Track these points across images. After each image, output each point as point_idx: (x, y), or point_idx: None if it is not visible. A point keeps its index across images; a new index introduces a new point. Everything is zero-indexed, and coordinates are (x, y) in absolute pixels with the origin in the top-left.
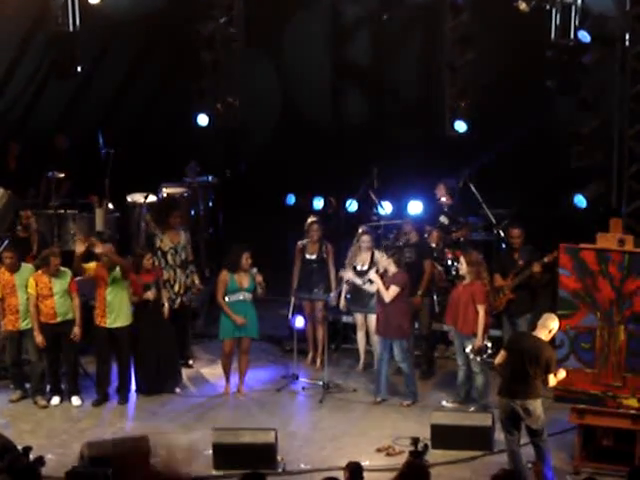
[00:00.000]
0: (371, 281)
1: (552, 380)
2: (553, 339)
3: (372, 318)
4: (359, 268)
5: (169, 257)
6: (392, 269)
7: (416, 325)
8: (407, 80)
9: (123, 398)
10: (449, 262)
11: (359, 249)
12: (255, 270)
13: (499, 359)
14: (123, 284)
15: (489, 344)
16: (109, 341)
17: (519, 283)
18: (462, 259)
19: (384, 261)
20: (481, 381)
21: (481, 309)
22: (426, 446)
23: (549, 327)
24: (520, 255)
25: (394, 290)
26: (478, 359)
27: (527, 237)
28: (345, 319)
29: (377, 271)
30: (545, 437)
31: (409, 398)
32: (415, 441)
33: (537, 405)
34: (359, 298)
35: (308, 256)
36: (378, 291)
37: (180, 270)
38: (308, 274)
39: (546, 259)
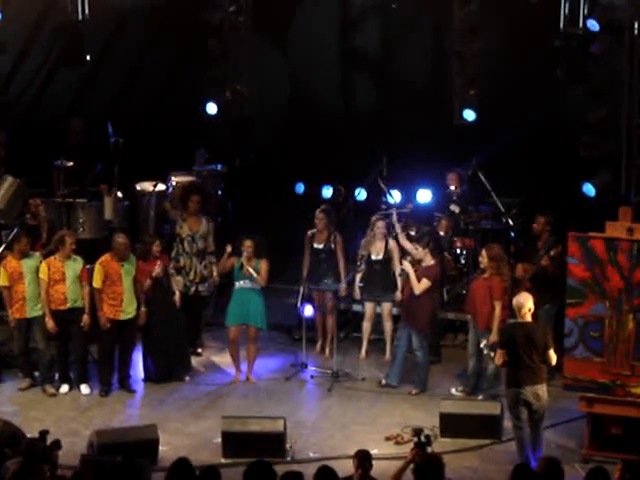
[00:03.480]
0: (403, 271)
1: (553, 356)
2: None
3: (385, 306)
4: (374, 257)
5: (186, 244)
6: (428, 260)
7: None
8: (416, 69)
9: (128, 387)
10: (458, 250)
11: (374, 237)
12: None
13: (499, 359)
14: (132, 275)
15: None
16: (117, 333)
17: (533, 274)
18: (484, 252)
19: (420, 253)
20: (492, 371)
21: (497, 305)
22: (428, 437)
23: (527, 306)
24: (543, 244)
25: (425, 283)
26: (492, 354)
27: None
28: (355, 308)
29: (409, 261)
30: (542, 422)
31: (418, 387)
32: (417, 432)
33: (545, 390)
34: (372, 287)
35: (316, 245)
36: (407, 279)
37: (196, 258)
38: (316, 263)
39: (552, 252)
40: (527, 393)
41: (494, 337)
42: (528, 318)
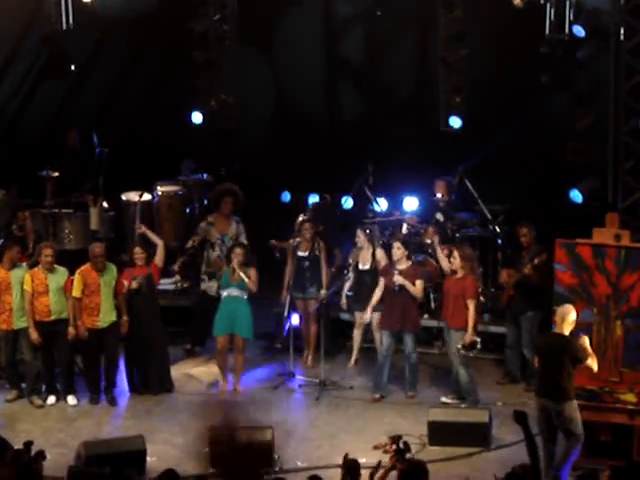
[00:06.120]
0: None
1: (593, 365)
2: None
3: (375, 315)
4: (361, 267)
5: (216, 248)
6: (405, 261)
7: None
8: (401, 76)
9: (112, 399)
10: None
11: (360, 250)
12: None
13: (535, 363)
14: (112, 286)
15: (478, 339)
16: (97, 342)
17: (516, 282)
18: (456, 253)
19: (400, 253)
20: (464, 377)
21: (471, 304)
22: (406, 443)
23: (569, 320)
24: (527, 253)
25: (420, 284)
26: (471, 354)
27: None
28: (342, 316)
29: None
30: (575, 440)
31: (413, 389)
32: (396, 439)
33: (568, 407)
34: (361, 296)
35: (300, 254)
36: (385, 292)
37: (227, 260)
38: (300, 272)
39: (536, 261)
40: (548, 406)
41: (469, 337)
42: (565, 331)
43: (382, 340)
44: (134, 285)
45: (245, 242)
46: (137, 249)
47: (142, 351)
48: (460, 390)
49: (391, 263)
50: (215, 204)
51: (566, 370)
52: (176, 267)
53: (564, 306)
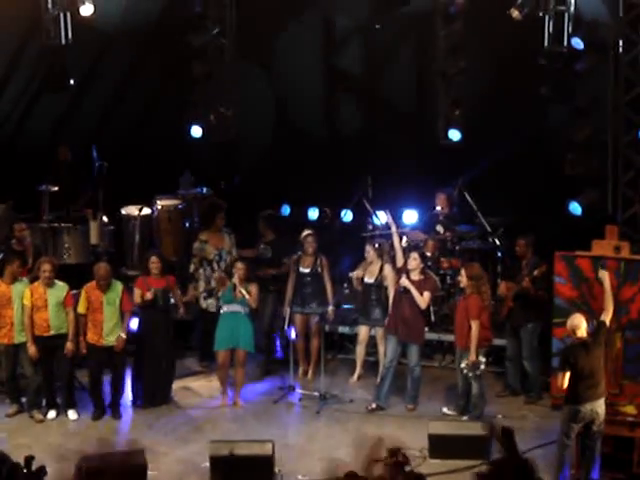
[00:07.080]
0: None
1: (609, 313)
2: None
3: (379, 330)
4: (367, 280)
5: (214, 265)
6: (417, 274)
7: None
8: (400, 89)
9: (117, 413)
10: (445, 271)
11: (369, 264)
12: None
13: (562, 381)
14: (117, 303)
15: (483, 359)
16: (104, 358)
17: (515, 294)
18: (463, 272)
19: (415, 264)
20: (476, 392)
21: (474, 324)
22: (405, 456)
23: (581, 325)
24: (526, 265)
25: (428, 296)
26: (470, 374)
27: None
28: (341, 329)
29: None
30: (599, 442)
31: (413, 401)
32: (394, 452)
33: (604, 405)
34: (367, 311)
35: (302, 269)
36: (395, 294)
37: (227, 275)
38: (302, 287)
39: (535, 273)
40: (586, 411)
41: (473, 357)
42: (585, 335)
43: (387, 351)
44: (148, 296)
45: (235, 254)
46: (154, 258)
47: (150, 363)
48: (467, 403)
49: (407, 269)
50: (208, 221)
51: (603, 365)
52: (189, 298)
53: (574, 316)
